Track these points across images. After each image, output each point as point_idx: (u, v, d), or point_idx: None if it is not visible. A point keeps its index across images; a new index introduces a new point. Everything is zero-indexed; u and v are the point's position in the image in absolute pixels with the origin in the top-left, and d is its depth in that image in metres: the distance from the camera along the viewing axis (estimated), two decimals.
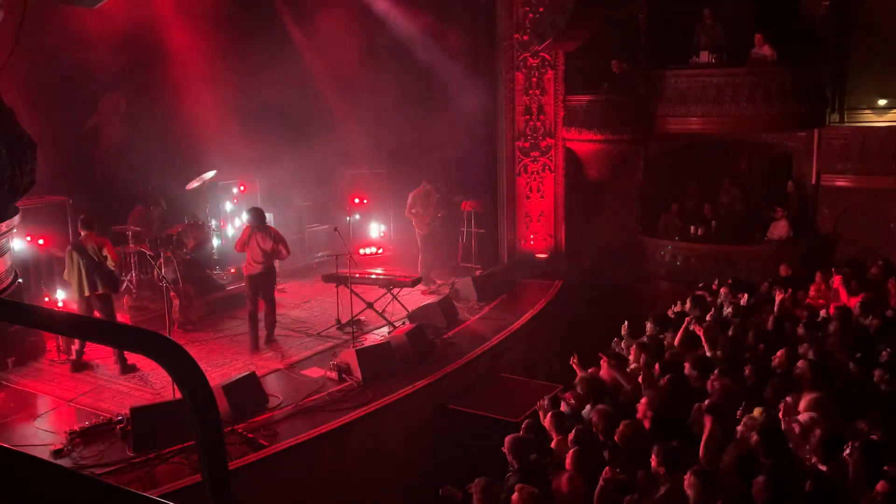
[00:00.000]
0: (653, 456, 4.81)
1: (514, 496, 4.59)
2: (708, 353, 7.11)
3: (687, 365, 6.62)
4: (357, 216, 13.66)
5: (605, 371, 7.14)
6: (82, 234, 8.45)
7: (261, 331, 9.43)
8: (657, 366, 6.75)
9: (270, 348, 9.44)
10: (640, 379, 6.72)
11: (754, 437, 4.96)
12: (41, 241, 9.51)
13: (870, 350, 6.80)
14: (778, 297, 8.51)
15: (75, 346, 8.66)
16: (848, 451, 4.51)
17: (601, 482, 4.69)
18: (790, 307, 8.73)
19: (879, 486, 4.21)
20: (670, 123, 12.38)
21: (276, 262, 9.55)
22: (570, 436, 5.50)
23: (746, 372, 6.39)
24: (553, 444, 5.75)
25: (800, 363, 6.25)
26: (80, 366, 8.67)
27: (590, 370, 7.12)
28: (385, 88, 12.73)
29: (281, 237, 9.27)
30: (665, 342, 7.73)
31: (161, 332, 1.16)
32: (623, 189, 13.26)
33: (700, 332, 7.41)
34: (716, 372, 6.26)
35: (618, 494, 4.60)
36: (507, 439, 5.49)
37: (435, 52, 12.69)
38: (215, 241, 12.09)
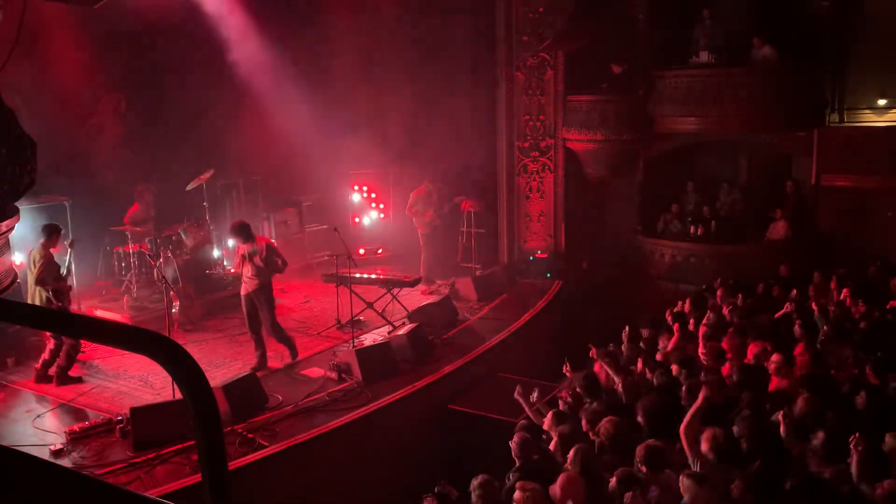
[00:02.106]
0: (636, 459, 4.84)
1: (517, 494, 4.60)
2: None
3: (674, 367, 6.68)
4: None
5: (597, 368, 7.21)
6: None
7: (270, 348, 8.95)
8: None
9: (270, 348, 9.44)
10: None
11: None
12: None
13: (867, 351, 6.80)
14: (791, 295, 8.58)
15: (45, 356, 8.26)
16: (854, 443, 4.51)
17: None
18: (793, 308, 8.75)
19: (885, 484, 4.21)
20: (670, 124, 12.38)
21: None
22: (558, 436, 5.53)
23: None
24: (552, 445, 5.76)
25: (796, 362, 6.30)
26: (46, 378, 8.25)
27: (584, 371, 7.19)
28: (385, 88, 12.73)
29: (273, 249, 8.62)
30: (660, 345, 7.78)
31: (161, 332, 1.16)
32: (622, 189, 13.26)
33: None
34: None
35: (621, 489, 4.62)
36: (516, 437, 5.52)
37: (435, 53, 12.69)
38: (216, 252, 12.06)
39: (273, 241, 8.74)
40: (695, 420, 5.11)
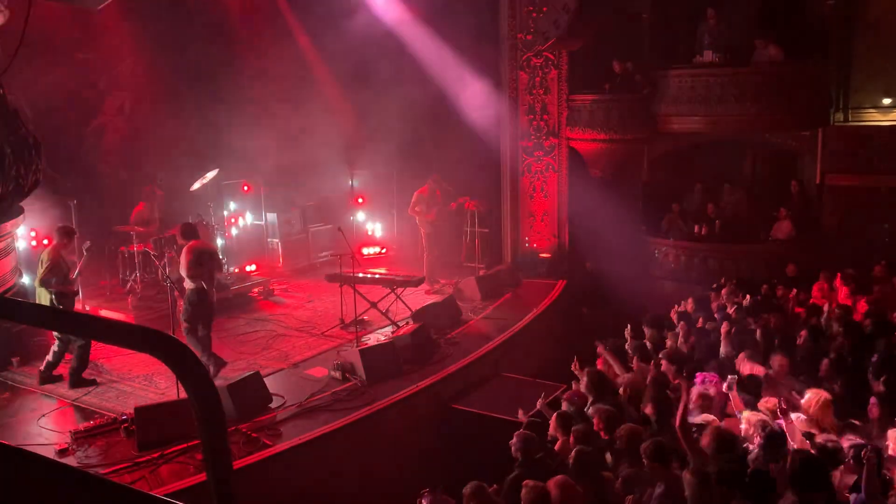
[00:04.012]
0: (642, 455, 4.84)
1: (523, 492, 4.59)
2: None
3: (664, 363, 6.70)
4: (359, 214, 13.69)
5: (601, 364, 7.22)
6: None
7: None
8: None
9: (273, 348, 9.47)
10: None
11: (756, 439, 4.99)
12: (45, 241, 9.49)
13: (869, 351, 6.78)
14: (790, 295, 8.58)
15: (49, 358, 8.19)
16: (866, 457, 4.46)
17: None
18: (794, 307, 8.77)
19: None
20: (674, 123, 12.36)
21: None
22: (572, 436, 5.52)
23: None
24: (558, 446, 5.76)
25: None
26: (49, 380, 8.21)
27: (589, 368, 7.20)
28: (389, 87, 12.73)
29: (182, 254, 8.20)
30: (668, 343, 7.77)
31: (165, 331, 1.16)
32: (627, 189, 13.24)
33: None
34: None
35: (624, 492, 4.62)
36: (517, 434, 5.52)
37: (439, 52, 12.69)
38: (219, 241, 12.08)
39: (191, 249, 8.17)
40: (685, 415, 5.14)
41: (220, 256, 8.47)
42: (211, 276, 8.32)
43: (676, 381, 6.14)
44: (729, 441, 4.95)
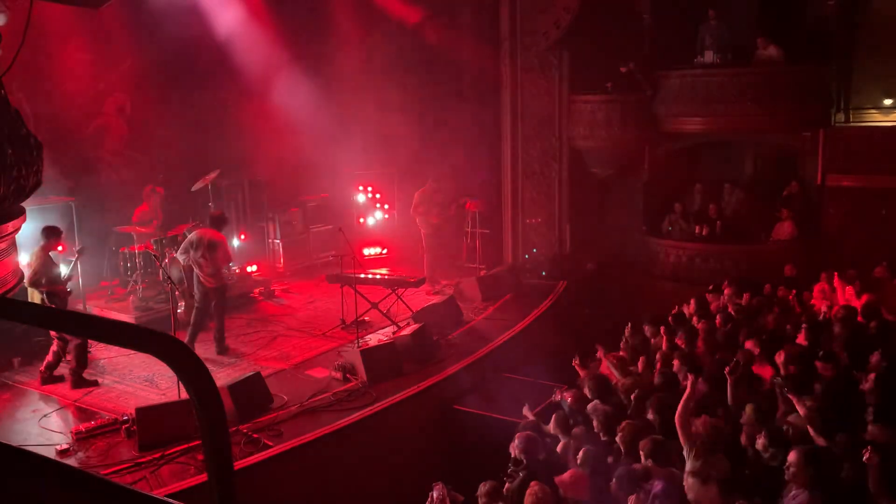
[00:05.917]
0: (640, 452, 4.84)
1: (528, 493, 4.60)
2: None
3: (675, 363, 6.70)
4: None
5: (604, 366, 7.22)
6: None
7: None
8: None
9: (274, 348, 9.48)
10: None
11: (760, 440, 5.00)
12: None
13: (870, 352, 6.78)
14: (790, 296, 8.59)
15: (49, 358, 8.21)
16: (867, 457, 4.45)
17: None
18: (793, 307, 8.77)
19: None
20: (675, 123, 12.36)
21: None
22: (572, 438, 5.52)
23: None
24: (560, 447, 5.76)
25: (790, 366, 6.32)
26: (50, 380, 8.24)
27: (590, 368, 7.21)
28: (391, 88, 12.73)
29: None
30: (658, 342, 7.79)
31: (166, 332, 1.16)
32: (628, 189, 13.23)
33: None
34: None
35: (622, 490, 4.61)
36: (519, 436, 5.51)
37: (440, 52, 12.69)
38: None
39: (189, 237, 9.38)
40: (687, 408, 5.13)
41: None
42: (198, 264, 8.98)
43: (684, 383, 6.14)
44: (718, 432, 4.95)
